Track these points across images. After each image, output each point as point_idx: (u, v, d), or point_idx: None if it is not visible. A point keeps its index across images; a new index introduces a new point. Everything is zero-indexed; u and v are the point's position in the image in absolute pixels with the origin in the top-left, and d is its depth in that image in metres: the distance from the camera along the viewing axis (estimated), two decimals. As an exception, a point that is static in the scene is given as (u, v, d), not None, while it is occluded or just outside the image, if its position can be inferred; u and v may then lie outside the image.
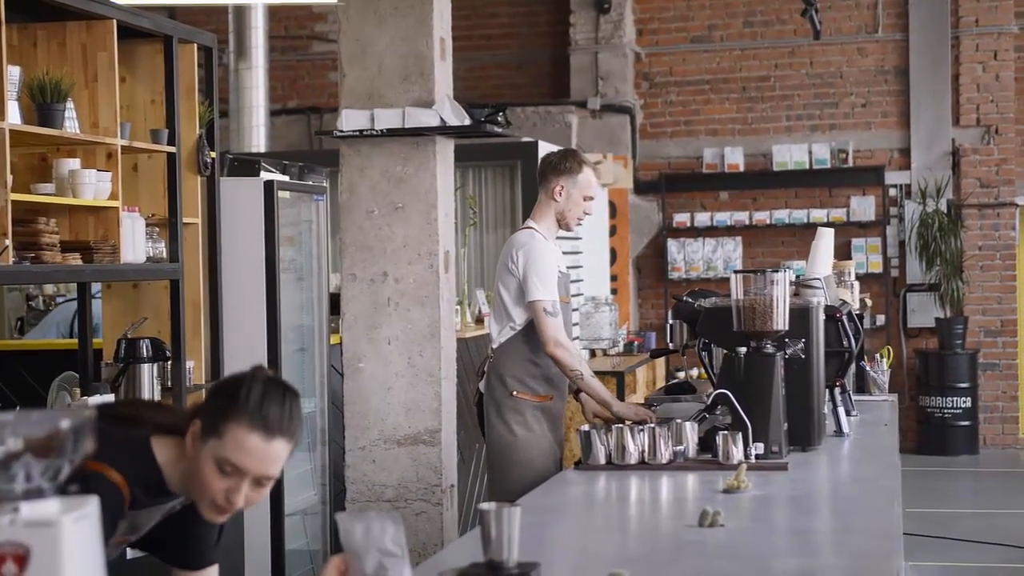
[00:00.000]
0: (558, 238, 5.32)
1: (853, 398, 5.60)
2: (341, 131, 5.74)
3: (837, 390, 5.01)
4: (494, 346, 5.20)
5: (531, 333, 5.10)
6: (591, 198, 5.22)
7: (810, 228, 12.33)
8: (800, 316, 4.45)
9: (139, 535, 2.72)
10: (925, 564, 7.98)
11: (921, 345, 12.45)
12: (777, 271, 4.34)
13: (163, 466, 2.61)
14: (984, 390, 12.28)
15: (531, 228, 5.20)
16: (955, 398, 12.02)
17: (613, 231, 12.24)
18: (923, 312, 12.37)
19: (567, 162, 5.20)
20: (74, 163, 4.89)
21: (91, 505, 1.75)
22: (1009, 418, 12.40)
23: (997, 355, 12.38)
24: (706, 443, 4.28)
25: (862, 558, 2.95)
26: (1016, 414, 12.44)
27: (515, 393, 5.10)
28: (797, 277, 5.28)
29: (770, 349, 4.34)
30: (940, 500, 10.21)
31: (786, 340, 4.40)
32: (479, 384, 5.35)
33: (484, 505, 2.70)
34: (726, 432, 4.16)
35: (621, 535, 3.41)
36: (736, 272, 4.38)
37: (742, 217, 12.60)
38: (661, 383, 10.24)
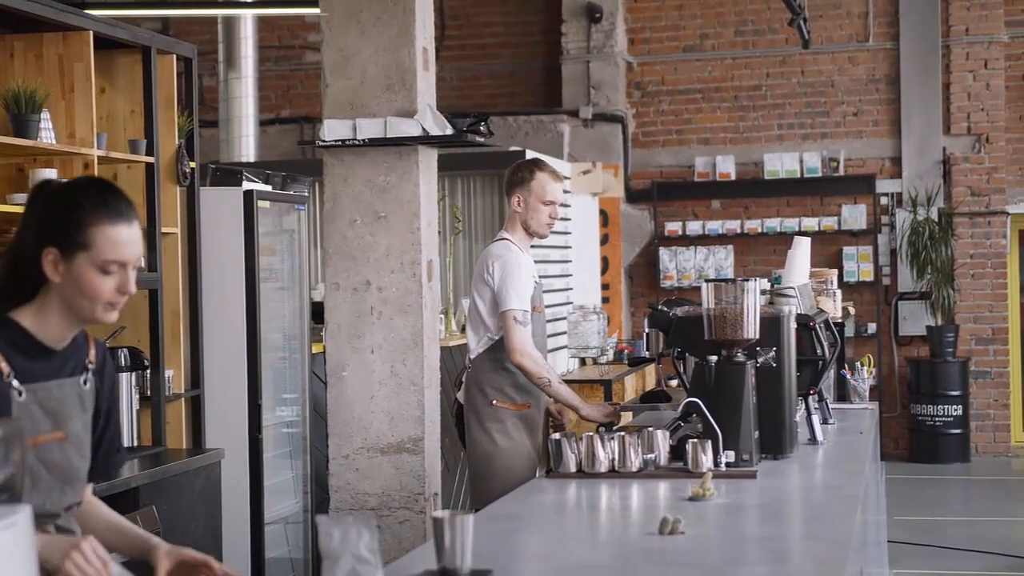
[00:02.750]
0: (533, 246, 5.37)
1: (832, 407, 5.61)
2: (323, 141, 5.77)
3: (812, 398, 5.02)
4: (472, 356, 5.29)
5: None
6: (551, 203, 5.30)
7: (794, 237, 12.30)
8: (771, 325, 4.47)
9: (64, 427, 2.69)
10: (912, 572, 7.98)
11: (912, 353, 12.46)
12: (748, 280, 4.36)
13: (30, 328, 2.67)
14: (975, 398, 12.29)
15: (505, 239, 5.29)
16: (946, 406, 12.02)
17: (605, 240, 12.27)
18: (914, 320, 12.38)
19: (519, 172, 5.34)
20: (50, 173, 4.92)
21: (21, 514, 1.77)
22: (1000, 426, 12.41)
23: (988, 363, 12.39)
24: (679, 451, 4.29)
25: (817, 564, 2.96)
26: (1007, 422, 12.44)
27: (495, 403, 5.19)
28: (772, 286, 5.30)
29: (741, 358, 4.35)
30: (930, 508, 10.21)
31: (757, 349, 4.41)
32: (456, 395, 5.39)
33: (437, 513, 2.72)
34: (696, 440, 4.18)
35: (583, 543, 3.42)
36: (707, 281, 4.40)
37: (734, 226, 12.61)
38: (651, 391, 10.24)
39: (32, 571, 1.78)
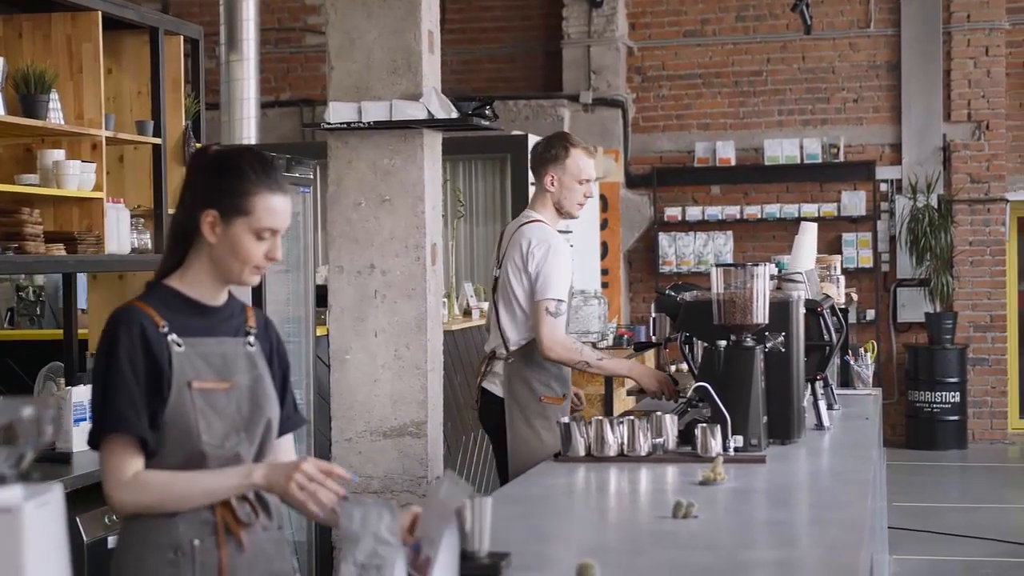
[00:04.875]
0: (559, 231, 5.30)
1: (836, 392, 5.62)
2: (329, 123, 5.76)
3: (818, 384, 5.03)
4: (511, 347, 5.03)
5: None
6: (586, 181, 5.07)
7: (801, 223, 12.32)
8: (780, 310, 4.47)
9: (230, 377, 2.82)
10: (911, 558, 8.01)
11: (911, 340, 12.48)
12: (757, 265, 4.36)
13: (181, 288, 2.82)
14: (973, 385, 12.32)
15: (540, 221, 5.05)
16: (944, 393, 12.05)
17: (604, 225, 12.26)
18: (913, 307, 12.40)
19: (553, 149, 5.08)
20: (59, 154, 4.91)
21: (54, 492, 1.77)
22: (998, 413, 12.44)
23: (986, 350, 12.42)
24: (687, 436, 4.30)
25: (831, 549, 2.97)
26: (1005, 409, 12.47)
27: (543, 399, 4.98)
28: (780, 271, 5.30)
29: (750, 343, 4.35)
30: (928, 494, 10.24)
31: (766, 334, 4.41)
32: (482, 383, 5.17)
33: (456, 496, 2.72)
34: (705, 425, 4.18)
35: (596, 526, 3.43)
36: (717, 266, 4.39)
37: (733, 211, 12.62)
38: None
39: (64, 549, 1.78)
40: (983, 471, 11.42)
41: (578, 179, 5.06)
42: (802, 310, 4.62)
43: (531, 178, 9.67)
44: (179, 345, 2.76)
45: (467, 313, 7.99)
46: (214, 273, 2.81)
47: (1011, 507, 9.88)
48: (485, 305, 8.25)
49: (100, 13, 5.09)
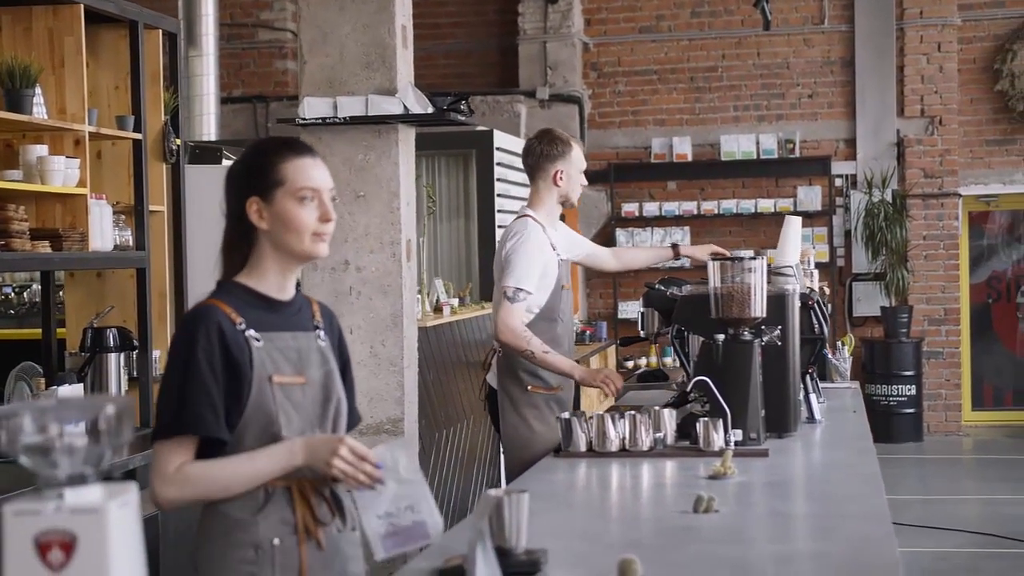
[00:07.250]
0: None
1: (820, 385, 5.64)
2: (303, 119, 5.71)
3: (808, 377, 5.04)
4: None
5: (538, 324, 5.01)
6: (583, 171, 5.26)
7: (757, 218, 12.43)
8: (776, 303, 4.47)
9: (304, 371, 2.80)
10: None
11: (867, 334, 12.58)
12: (755, 258, 4.36)
13: (249, 284, 2.81)
14: (928, 378, 12.44)
15: (528, 216, 5.13)
16: (900, 386, 12.16)
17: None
18: (869, 301, 12.50)
19: (556, 145, 5.16)
20: (42, 149, 4.82)
21: (132, 492, 1.73)
22: (952, 405, 12.57)
23: (941, 343, 12.54)
24: (683, 430, 4.29)
25: (862, 542, 2.97)
26: (959, 401, 12.61)
27: (530, 388, 5.05)
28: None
29: (747, 336, 4.35)
30: (887, 487, 10.23)
31: (763, 327, 4.41)
32: (485, 376, 5.24)
33: (493, 491, 2.69)
34: (707, 419, 4.17)
35: (619, 522, 3.41)
36: (714, 259, 4.38)
37: (690, 207, 12.65)
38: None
39: (142, 548, 1.74)
40: (940, 463, 11.53)
41: (581, 169, 5.24)
42: (797, 303, 4.63)
43: (498, 173, 9.66)
44: (258, 340, 2.75)
45: (438, 309, 7.95)
46: (280, 260, 2.80)
47: (969, 498, 9.99)
48: (456, 301, 8.22)
49: (82, 6, 5.00)
